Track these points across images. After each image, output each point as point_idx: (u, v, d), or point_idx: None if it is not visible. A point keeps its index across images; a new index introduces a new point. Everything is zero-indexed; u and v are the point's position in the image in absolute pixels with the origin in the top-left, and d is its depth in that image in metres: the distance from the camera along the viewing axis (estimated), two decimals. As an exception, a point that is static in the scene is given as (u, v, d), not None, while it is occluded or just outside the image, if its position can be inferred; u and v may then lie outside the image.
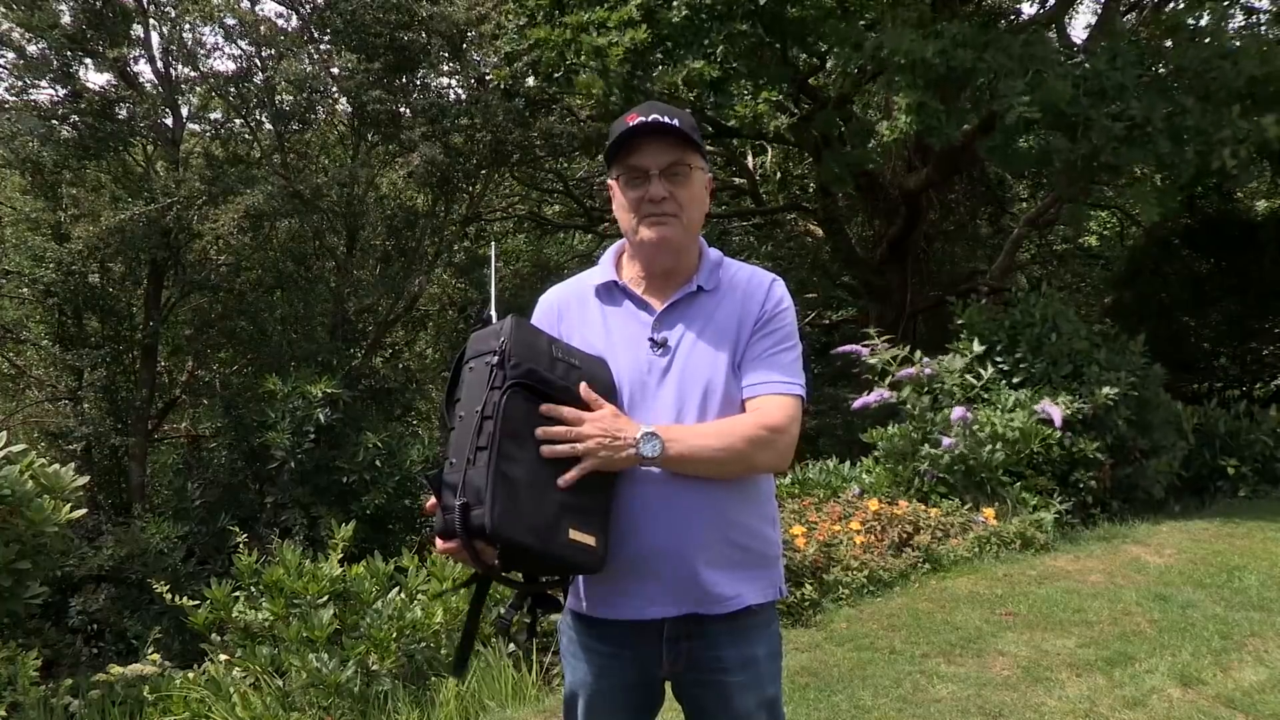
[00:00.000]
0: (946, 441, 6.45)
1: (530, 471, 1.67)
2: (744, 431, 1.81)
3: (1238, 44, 7.97)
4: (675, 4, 8.10)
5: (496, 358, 1.70)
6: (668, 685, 1.97)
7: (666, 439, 1.75)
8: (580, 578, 1.89)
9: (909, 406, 6.82)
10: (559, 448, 1.70)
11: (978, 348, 7.23)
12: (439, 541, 1.69)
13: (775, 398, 1.86)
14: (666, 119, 1.82)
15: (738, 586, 1.85)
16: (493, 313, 1.82)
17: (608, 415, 1.75)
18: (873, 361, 7.08)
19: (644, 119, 1.82)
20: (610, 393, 1.82)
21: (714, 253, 1.97)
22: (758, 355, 1.88)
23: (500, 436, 1.65)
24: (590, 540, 1.73)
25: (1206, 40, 8.15)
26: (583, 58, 8.33)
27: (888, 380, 6.97)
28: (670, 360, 1.86)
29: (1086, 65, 7.61)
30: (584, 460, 1.71)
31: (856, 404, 6.85)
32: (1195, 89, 7.48)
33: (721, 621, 1.85)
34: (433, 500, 1.71)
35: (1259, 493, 8.44)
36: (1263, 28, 9.50)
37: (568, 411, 1.72)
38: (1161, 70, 8.06)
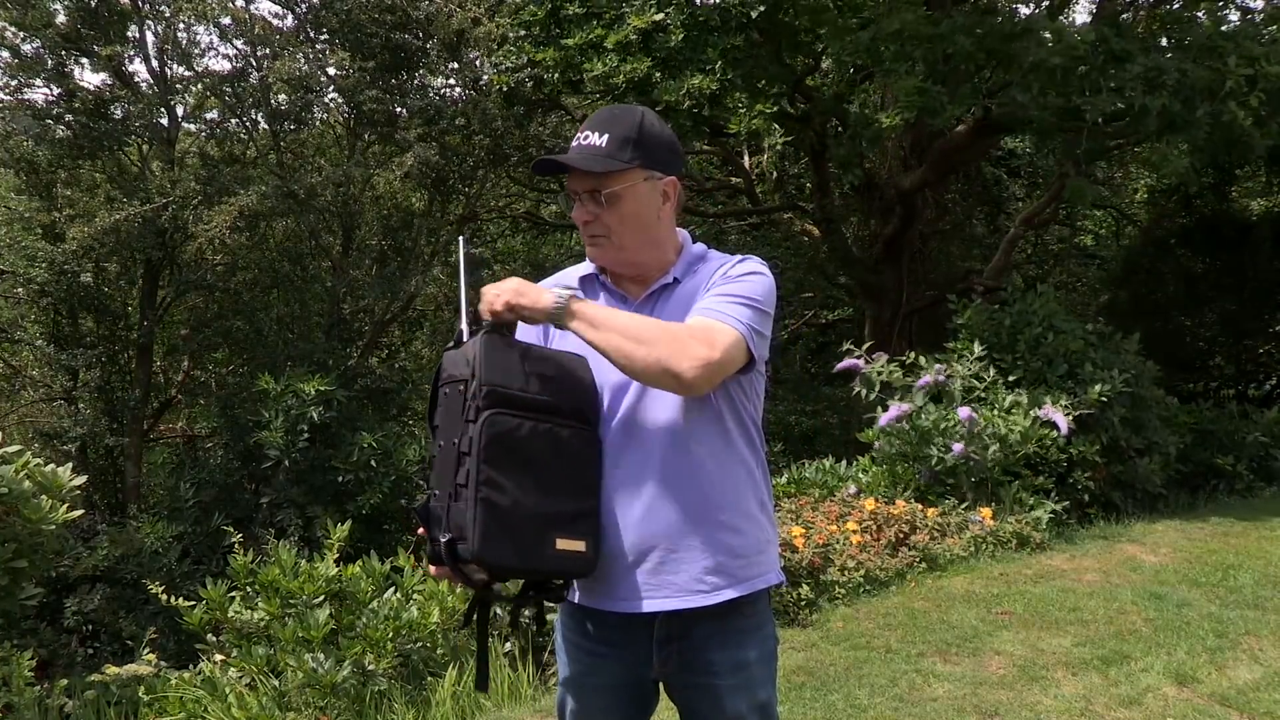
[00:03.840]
0: (957, 448, 6.44)
1: (512, 495, 1.66)
2: (670, 330, 1.73)
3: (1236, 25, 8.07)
4: (671, 27, 8.12)
5: (465, 386, 1.70)
6: (662, 685, 1.96)
7: (578, 302, 1.75)
8: None
9: (922, 413, 6.81)
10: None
11: (978, 349, 7.23)
12: (431, 567, 1.74)
13: (713, 322, 1.75)
14: (595, 139, 1.81)
15: (728, 575, 1.83)
16: (464, 328, 1.79)
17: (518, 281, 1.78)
18: (874, 378, 7.06)
19: (576, 141, 1.84)
20: (591, 392, 1.82)
21: (698, 247, 1.96)
22: (704, 300, 1.82)
23: (480, 464, 1.65)
24: (580, 546, 1.73)
25: (1204, 24, 8.23)
26: (585, 81, 8.38)
27: (905, 393, 6.95)
28: None
29: (1091, 35, 7.67)
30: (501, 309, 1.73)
31: (882, 420, 6.84)
32: (1198, 60, 7.54)
33: (712, 621, 1.84)
34: (423, 529, 1.73)
35: (1253, 491, 8.47)
36: (1260, 25, 9.55)
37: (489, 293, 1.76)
38: (1165, 51, 8.12)
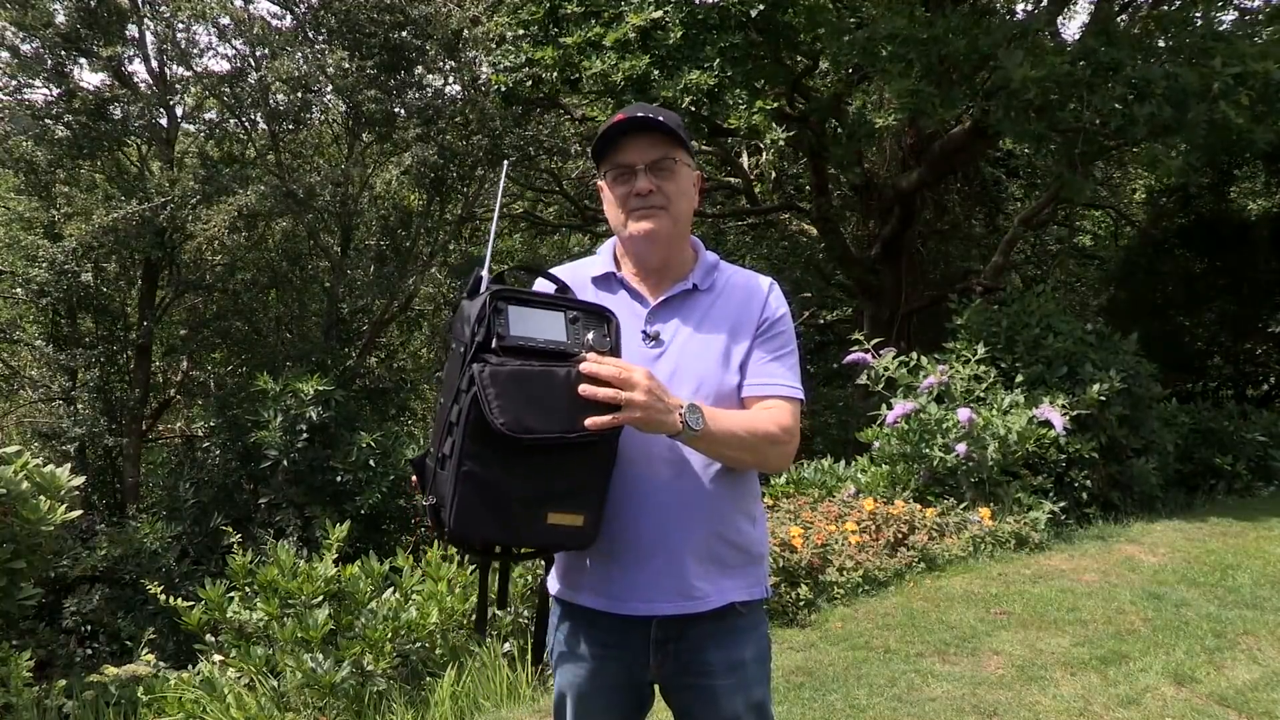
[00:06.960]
0: (960, 448, 6.45)
1: (497, 472, 1.62)
2: (764, 427, 1.83)
3: (1230, 27, 8.07)
4: (670, 25, 8.13)
5: (465, 350, 1.65)
6: (658, 688, 1.97)
7: (707, 415, 1.72)
8: (571, 566, 1.90)
9: (924, 412, 6.81)
10: (602, 395, 1.62)
11: (981, 350, 7.24)
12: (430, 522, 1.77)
13: (782, 401, 1.88)
14: (652, 115, 1.83)
15: (723, 583, 1.86)
16: (485, 272, 1.71)
17: (651, 377, 1.67)
18: (882, 372, 7.07)
19: (630, 116, 1.83)
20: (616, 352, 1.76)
21: (711, 255, 1.98)
22: (762, 359, 1.89)
23: (464, 438, 1.60)
24: (575, 520, 1.69)
25: (1199, 25, 8.22)
26: (584, 78, 8.39)
27: (910, 391, 6.96)
28: (662, 354, 1.86)
29: (1082, 44, 7.68)
30: (624, 413, 1.62)
31: (889, 419, 6.85)
32: (1192, 62, 7.54)
33: (708, 622, 1.85)
34: (415, 480, 1.77)
35: (1252, 491, 8.47)
36: (1257, 27, 9.55)
37: (606, 370, 1.63)
38: (1158, 52, 8.12)
